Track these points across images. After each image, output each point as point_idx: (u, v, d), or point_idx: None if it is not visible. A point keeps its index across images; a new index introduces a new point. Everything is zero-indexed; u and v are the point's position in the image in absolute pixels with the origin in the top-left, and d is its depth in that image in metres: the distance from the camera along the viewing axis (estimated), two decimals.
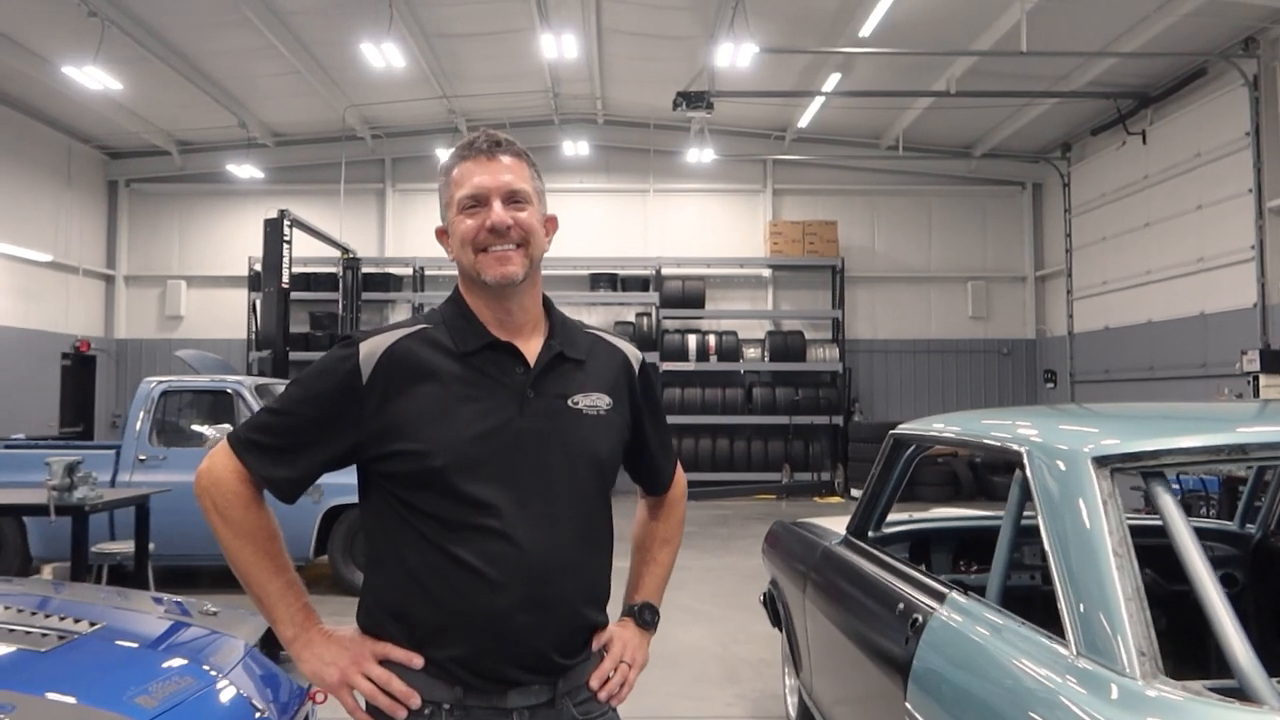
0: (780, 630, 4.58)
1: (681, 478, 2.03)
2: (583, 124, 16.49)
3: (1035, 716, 1.89)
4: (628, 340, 1.94)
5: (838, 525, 4.11)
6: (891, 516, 3.82)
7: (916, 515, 4.27)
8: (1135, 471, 2.06)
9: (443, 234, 1.79)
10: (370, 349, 1.67)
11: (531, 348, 1.73)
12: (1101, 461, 2.03)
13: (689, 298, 16.37)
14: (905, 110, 14.68)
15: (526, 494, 1.65)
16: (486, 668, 1.64)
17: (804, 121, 15.20)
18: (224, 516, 1.66)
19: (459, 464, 1.62)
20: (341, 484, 7.46)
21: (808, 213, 16.94)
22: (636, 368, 1.87)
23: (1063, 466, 2.13)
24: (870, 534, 3.66)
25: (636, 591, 1.93)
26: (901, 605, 2.72)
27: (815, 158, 16.65)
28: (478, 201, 1.71)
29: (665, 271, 16.51)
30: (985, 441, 2.69)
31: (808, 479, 15.42)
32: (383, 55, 11.48)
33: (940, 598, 2.56)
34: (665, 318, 16.30)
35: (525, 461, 1.66)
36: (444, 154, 15.79)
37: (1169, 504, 1.92)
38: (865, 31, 11.33)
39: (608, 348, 1.85)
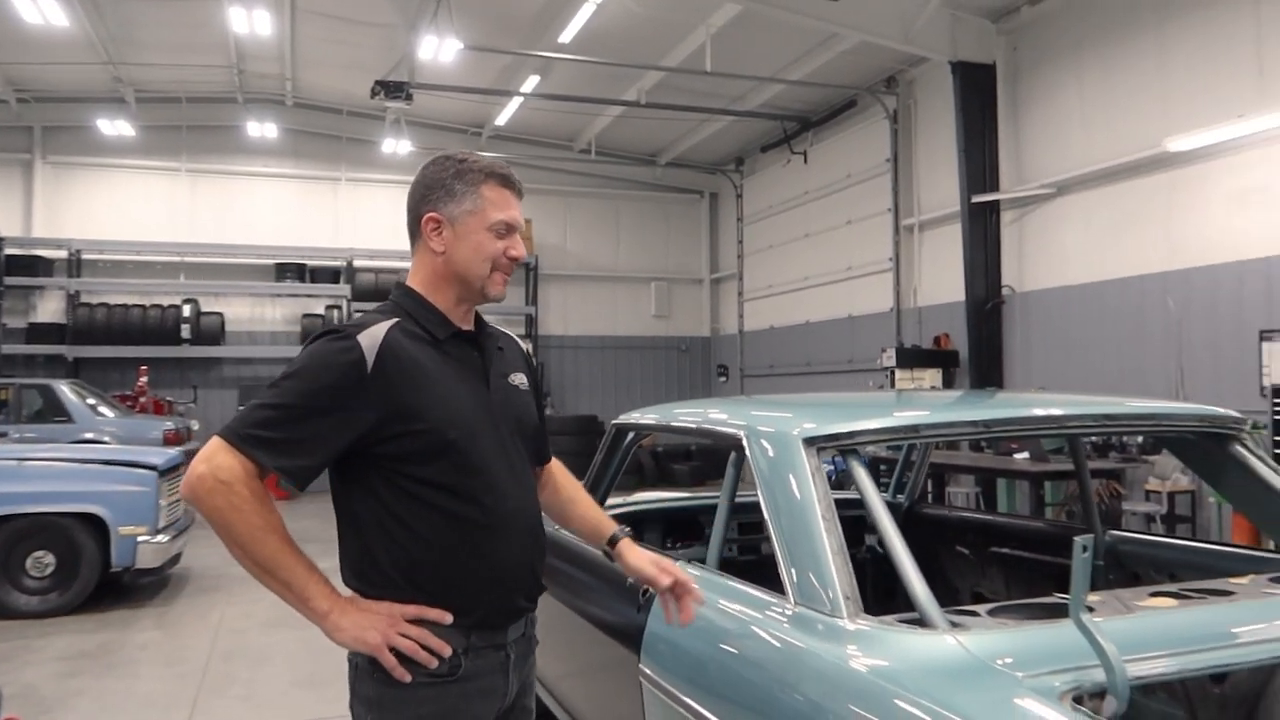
0: None
1: None
2: (269, 105, 15.54)
3: (760, 660, 2.22)
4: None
5: None
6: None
7: (627, 499, 4.60)
8: (834, 449, 2.46)
9: (438, 222, 1.94)
10: (370, 341, 1.83)
11: (475, 336, 2.02)
12: (809, 441, 2.40)
13: (382, 290, 15.91)
14: (598, 116, 15.33)
15: (506, 455, 1.97)
16: (506, 604, 1.96)
17: (502, 120, 15.41)
18: (241, 513, 1.74)
19: (467, 435, 1.89)
20: None
21: None
22: (526, 354, 2.21)
23: (777, 446, 2.49)
24: None
25: (602, 526, 2.25)
26: (631, 578, 2.99)
27: (512, 156, 16.82)
28: (509, 230, 1.97)
29: (358, 263, 16.04)
30: (708, 427, 3.02)
31: None
32: (39, 10, 10.12)
33: None
34: (357, 311, 15.80)
35: (500, 429, 1.97)
36: (107, 125, 14.34)
37: (861, 474, 2.33)
38: (565, 38, 11.75)
39: (510, 339, 2.18)
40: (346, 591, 1.91)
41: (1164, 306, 8.94)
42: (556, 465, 2.31)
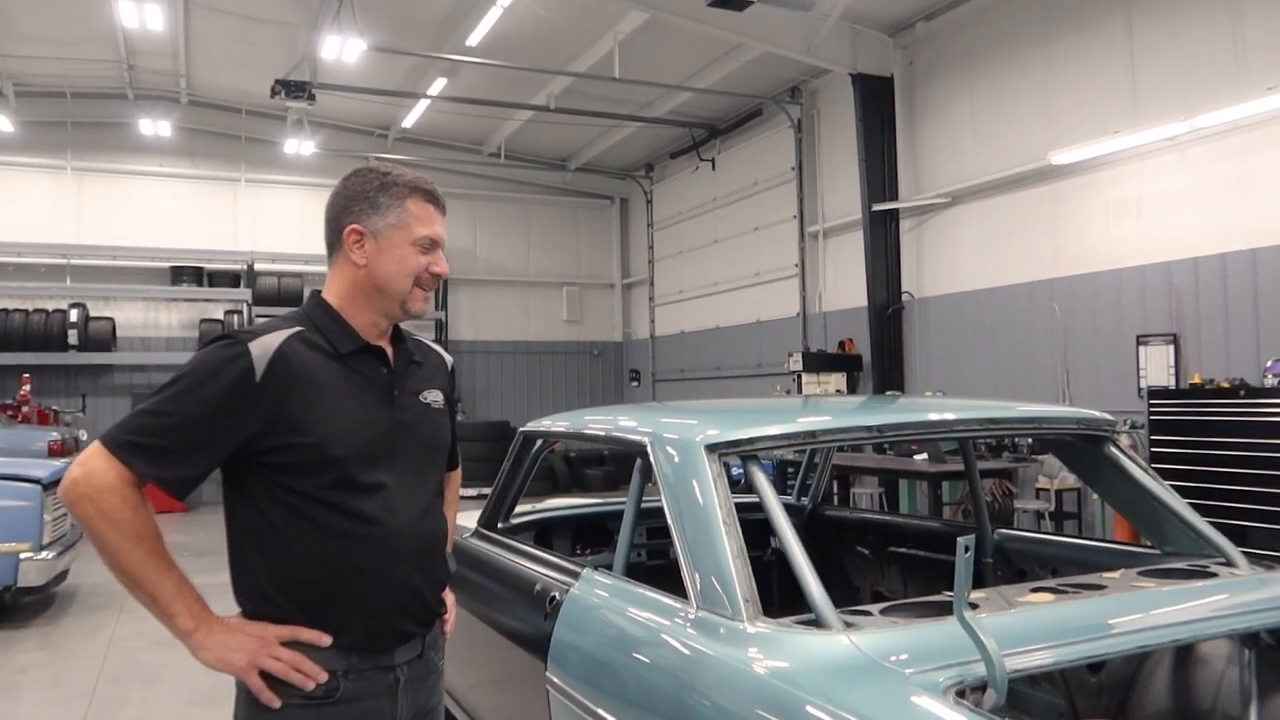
0: None
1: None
2: (162, 102, 14.95)
3: (663, 662, 2.26)
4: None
5: (464, 520, 4.32)
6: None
7: (537, 506, 4.60)
8: (735, 455, 2.52)
9: (361, 234, 1.91)
10: (261, 349, 1.78)
11: (389, 351, 1.99)
12: (711, 448, 2.46)
13: (285, 295, 15.55)
14: (507, 120, 15.26)
15: (402, 476, 1.92)
16: (387, 628, 1.89)
17: (409, 122, 15.21)
18: (111, 521, 1.69)
19: (354, 453, 1.83)
20: None
21: None
22: (450, 368, 2.20)
23: (680, 452, 2.53)
24: (500, 525, 3.92)
25: None
26: (539, 586, 2.99)
27: (419, 159, 16.64)
28: (432, 246, 1.95)
29: (259, 267, 15.60)
30: (614, 434, 3.05)
31: None
32: None
33: (575, 575, 2.87)
34: (259, 315, 15.36)
35: (400, 449, 1.92)
36: None
37: (761, 479, 2.40)
38: (473, 40, 11.67)
39: (433, 352, 2.17)
40: (235, 608, 1.86)
41: (1050, 312, 9.36)
42: (452, 476, 2.27)
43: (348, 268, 1.93)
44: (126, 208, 15.22)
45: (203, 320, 15.28)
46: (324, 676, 1.79)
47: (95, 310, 14.77)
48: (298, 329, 1.86)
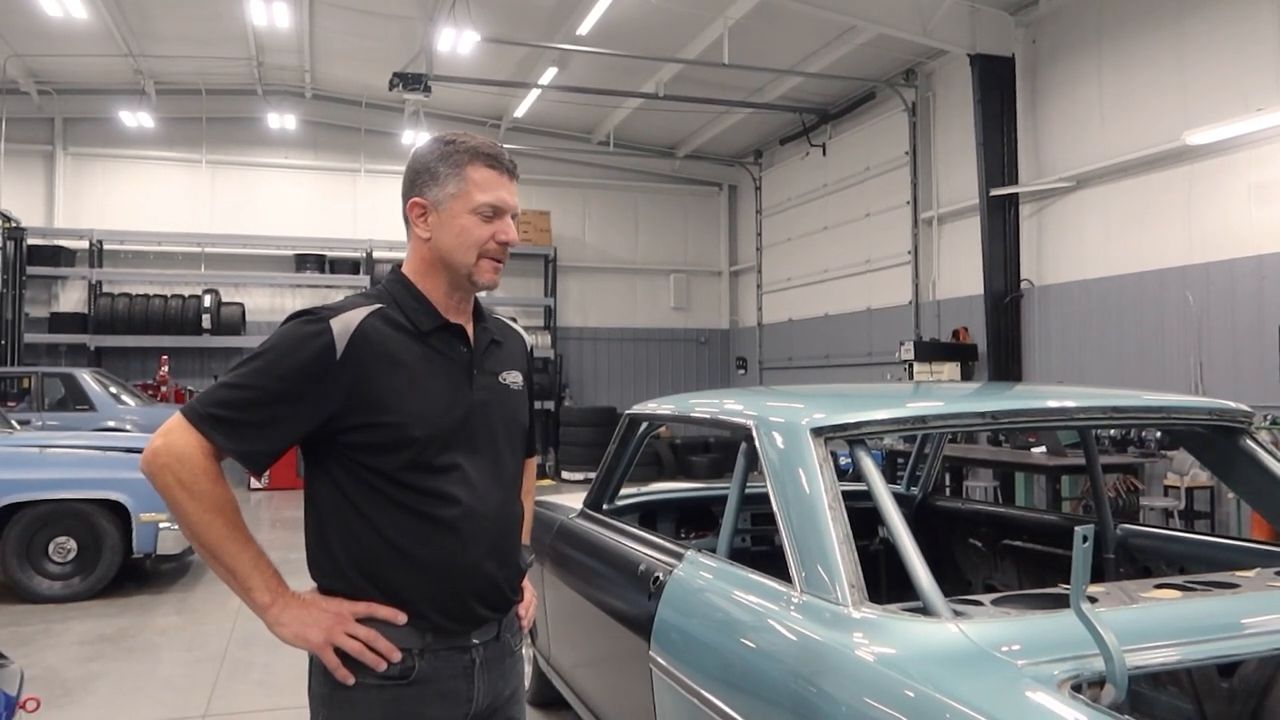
0: None
1: None
2: (289, 97, 15.64)
3: (767, 646, 2.24)
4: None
5: (569, 502, 4.38)
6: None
7: (642, 490, 4.62)
8: (841, 439, 2.47)
9: (423, 207, 1.85)
10: (342, 326, 1.75)
11: (469, 330, 1.93)
12: (817, 431, 2.42)
13: None
14: (616, 109, 15.32)
15: (481, 458, 1.87)
16: (461, 611, 1.84)
17: (520, 111, 15.44)
18: (191, 492, 1.68)
19: (434, 434, 1.80)
20: (11, 480, 6.76)
21: (522, 202, 16.83)
22: (529, 350, 2.13)
23: (786, 436, 2.51)
24: (605, 507, 3.96)
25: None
26: (643, 566, 3.01)
27: (530, 148, 16.90)
28: (496, 213, 1.85)
29: (377, 254, 16.11)
30: (719, 417, 3.04)
31: None
32: (60, 3, 10.25)
33: (678, 557, 2.88)
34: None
35: (478, 430, 1.87)
36: (128, 117, 14.47)
37: (868, 464, 2.35)
38: (583, 30, 11.76)
39: (514, 332, 2.10)
40: (310, 583, 1.84)
41: (1183, 300, 8.88)
42: (529, 464, 2.20)
43: (417, 242, 1.88)
44: (255, 198, 15.98)
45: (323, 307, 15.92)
46: (397, 655, 1.77)
47: (227, 296, 15.55)
48: (378, 306, 1.82)
